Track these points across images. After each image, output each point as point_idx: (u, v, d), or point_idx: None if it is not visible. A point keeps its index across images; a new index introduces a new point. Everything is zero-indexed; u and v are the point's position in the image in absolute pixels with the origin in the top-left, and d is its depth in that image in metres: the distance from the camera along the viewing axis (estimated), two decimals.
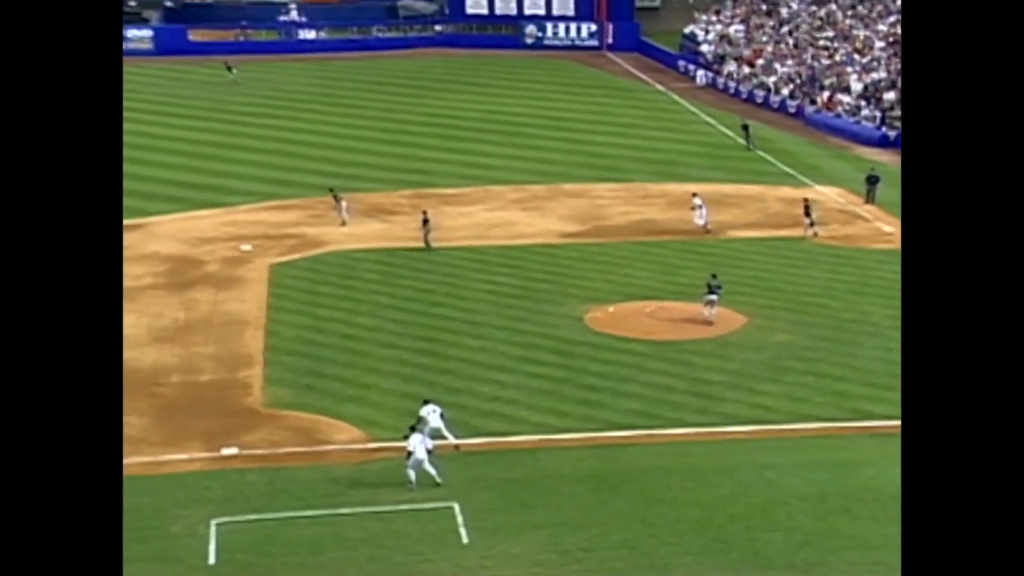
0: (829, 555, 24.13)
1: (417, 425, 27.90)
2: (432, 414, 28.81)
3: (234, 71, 76.00)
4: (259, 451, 29.24)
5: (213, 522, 25.59)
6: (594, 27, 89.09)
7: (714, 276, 37.55)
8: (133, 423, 30.61)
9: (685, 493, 27.12)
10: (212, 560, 24.29)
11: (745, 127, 61.74)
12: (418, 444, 27.15)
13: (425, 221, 44.75)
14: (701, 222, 46.70)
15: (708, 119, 68.21)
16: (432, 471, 27.11)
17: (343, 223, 47.10)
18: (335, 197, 47.92)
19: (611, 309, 38.88)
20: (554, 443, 29.75)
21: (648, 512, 26.33)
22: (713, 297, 36.90)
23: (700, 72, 78.86)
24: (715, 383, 33.14)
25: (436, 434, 28.25)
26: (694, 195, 47.78)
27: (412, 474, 27.03)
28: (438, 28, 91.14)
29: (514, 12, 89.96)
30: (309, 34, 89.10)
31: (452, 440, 28.94)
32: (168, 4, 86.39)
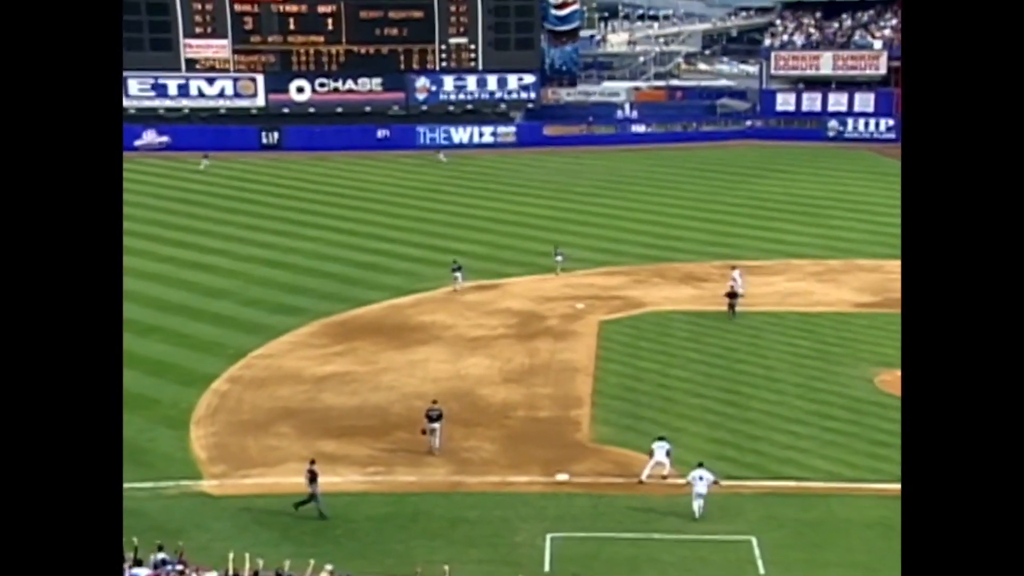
0: None
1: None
2: (660, 449, 28.58)
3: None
4: (586, 479, 29.51)
5: (548, 536, 26.02)
6: (892, 122, 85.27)
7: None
8: (487, 448, 31.75)
9: None
10: (547, 568, 24.69)
11: None
12: (698, 480, 26.87)
13: (732, 295, 43.83)
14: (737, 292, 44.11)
15: None
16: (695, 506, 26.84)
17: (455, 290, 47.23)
18: (454, 271, 47.81)
19: (900, 373, 36.75)
20: (844, 491, 28.41)
21: None
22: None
23: None
24: None
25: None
26: (733, 267, 46.51)
27: (696, 505, 26.91)
28: (750, 123, 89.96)
29: (818, 109, 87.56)
30: (640, 128, 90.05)
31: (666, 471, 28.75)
32: (529, 106, 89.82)
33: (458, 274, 47.88)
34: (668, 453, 29.02)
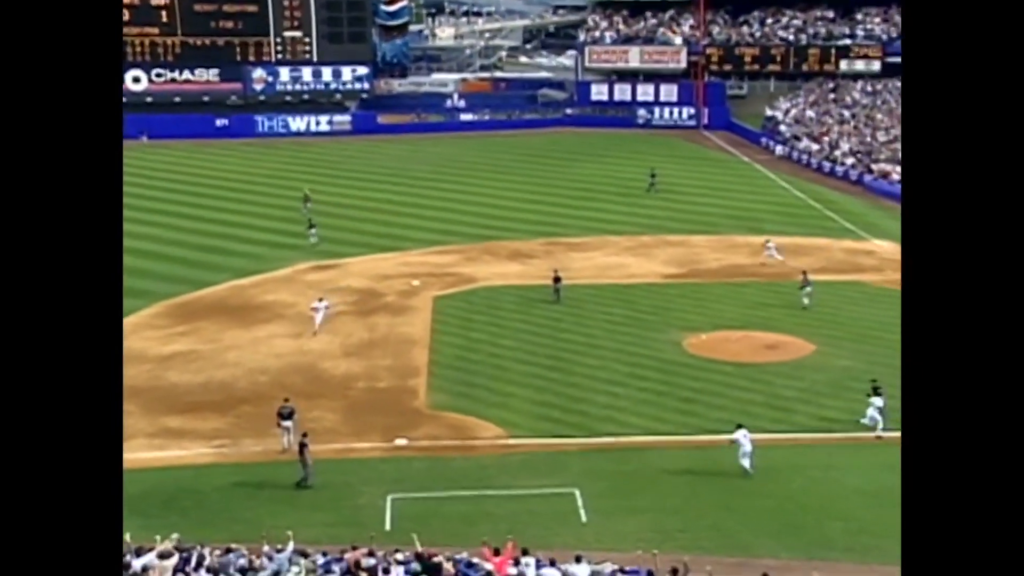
0: (882, 540, 23.21)
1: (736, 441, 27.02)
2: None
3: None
4: (423, 443, 29.55)
5: (389, 497, 25.94)
6: (692, 111, 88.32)
7: (874, 380, 30.58)
8: (329, 418, 31.32)
9: (764, 487, 26.50)
10: (388, 527, 24.60)
11: (653, 175, 63.75)
12: (742, 438, 26.91)
13: (557, 279, 42.99)
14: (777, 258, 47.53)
15: (784, 184, 66.86)
16: (747, 464, 26.79)
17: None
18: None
19: (704, 337, 38.28)
20: (657, 444, 29.36)
21: (733, 501, 25.79)
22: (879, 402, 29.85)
23: (778, 147, 77.36)
24: (788, 398, 32.33)
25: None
26: (767, 240, 49.15)
27: (746, 463, 26.78)
28: (568, 111, 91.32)
29: (629, 99, 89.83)
30: (468, 116, 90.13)
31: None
32: (363, 96, 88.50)
33: (313, 230, 51.31)
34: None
